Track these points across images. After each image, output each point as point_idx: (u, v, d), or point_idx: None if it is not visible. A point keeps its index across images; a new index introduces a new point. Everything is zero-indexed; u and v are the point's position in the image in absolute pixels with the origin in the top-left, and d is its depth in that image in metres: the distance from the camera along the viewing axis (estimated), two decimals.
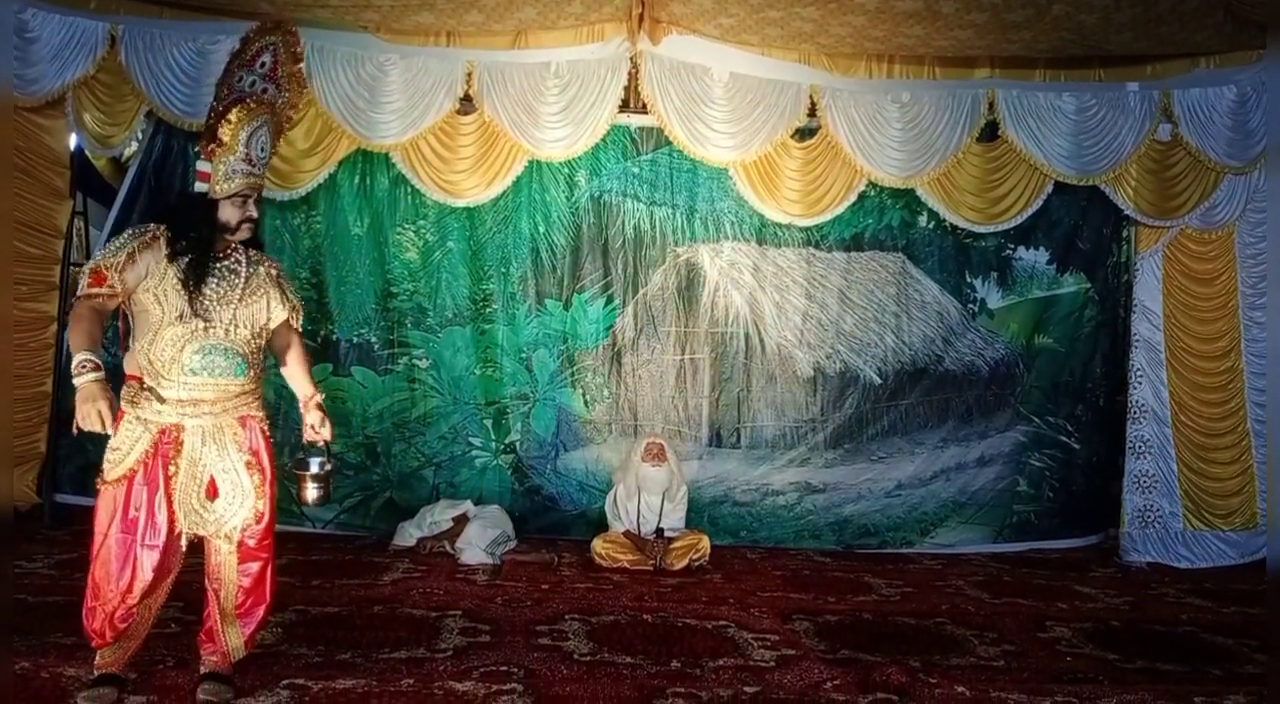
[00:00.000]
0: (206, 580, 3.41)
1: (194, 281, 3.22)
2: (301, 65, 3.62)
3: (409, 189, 6.83)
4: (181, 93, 6.25)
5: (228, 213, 3.29)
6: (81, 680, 3.41)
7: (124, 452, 3.20)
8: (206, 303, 3.25)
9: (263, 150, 3.34)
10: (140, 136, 6.59)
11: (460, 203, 6.77)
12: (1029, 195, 6.96)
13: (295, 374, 3.65)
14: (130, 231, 3.27)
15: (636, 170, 7.16)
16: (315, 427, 3.52)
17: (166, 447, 3.23)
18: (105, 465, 3.23)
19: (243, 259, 3.40)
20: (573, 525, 6.98)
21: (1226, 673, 4.31)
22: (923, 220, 7.31)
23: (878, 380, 7.31)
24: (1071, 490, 7.43)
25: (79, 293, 3.14)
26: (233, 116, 3.23)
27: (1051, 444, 7.41)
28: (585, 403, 7.17)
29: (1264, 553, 6.66)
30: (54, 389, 6.37)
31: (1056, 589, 5.96)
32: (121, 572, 3.17)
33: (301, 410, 3.59)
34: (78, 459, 6.44)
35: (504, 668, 3.89)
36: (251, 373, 3.38)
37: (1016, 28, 6.18)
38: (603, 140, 6.78)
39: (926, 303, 7.38)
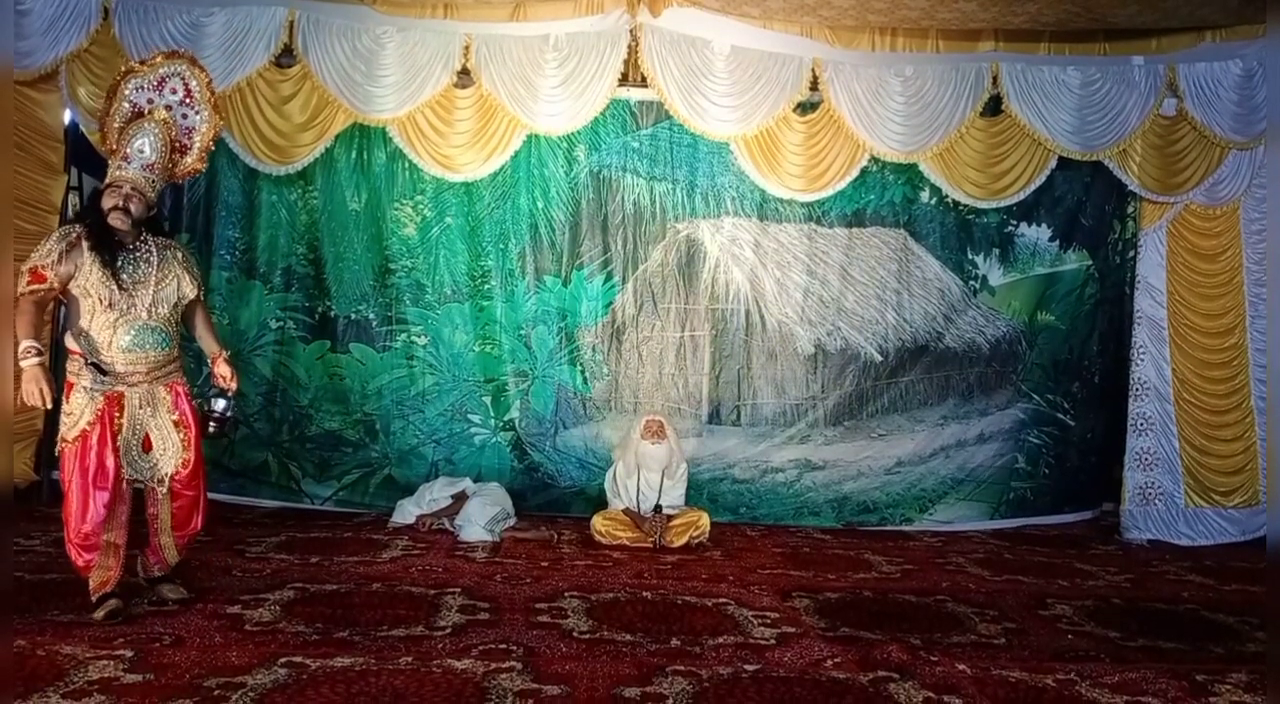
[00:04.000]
0: (148, 518, 4.18)
1: (108, 264, 3.90)
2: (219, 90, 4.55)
3: (407, 164, 6.77)
4: None
5: (105, 201, 3.98)
6: (78, 659, 3.44)
7: (76, 416, 3.93)
8: (128, 289, 3.94)
9: (140, 151, 4.05)
10: None
11: (458, 177, 6.71)
12: (1032, 171, 6.91)
13: (204, 336, 4.41)
14: (57, 234, 3.98)
15: (636, 145, 7.09)
16: (225, 377, 4.28)
17: (113, 409, 3.95)
18: (62, 428, 3.97)
19: (153, 247, 4.09)
20: (572, 503, 6.97)
21: (1227, 651, 4.31)
22: (925, 196, 7.25)
23: (878, 358, 7.28)
24: (1066, 467, 7.43)
25: (20, 290, 3.82)
26: (127, 127, 4.05)
27: (1049, 421, 7.41)
28: (584, 380, 7.14)
29: (1265, 531, 6.65)
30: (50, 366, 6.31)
31: (1057, 566, 5.96)
32: (83, 508, 3.92)
33: (210, 365, 4.36)
34: None
35: (503, 646, 3.88)
36: (174, 344, 4.15)
37: (1021, 0, 6.10)
38: (602, 114, 6.72)
39: (928, 279, 7.34)
